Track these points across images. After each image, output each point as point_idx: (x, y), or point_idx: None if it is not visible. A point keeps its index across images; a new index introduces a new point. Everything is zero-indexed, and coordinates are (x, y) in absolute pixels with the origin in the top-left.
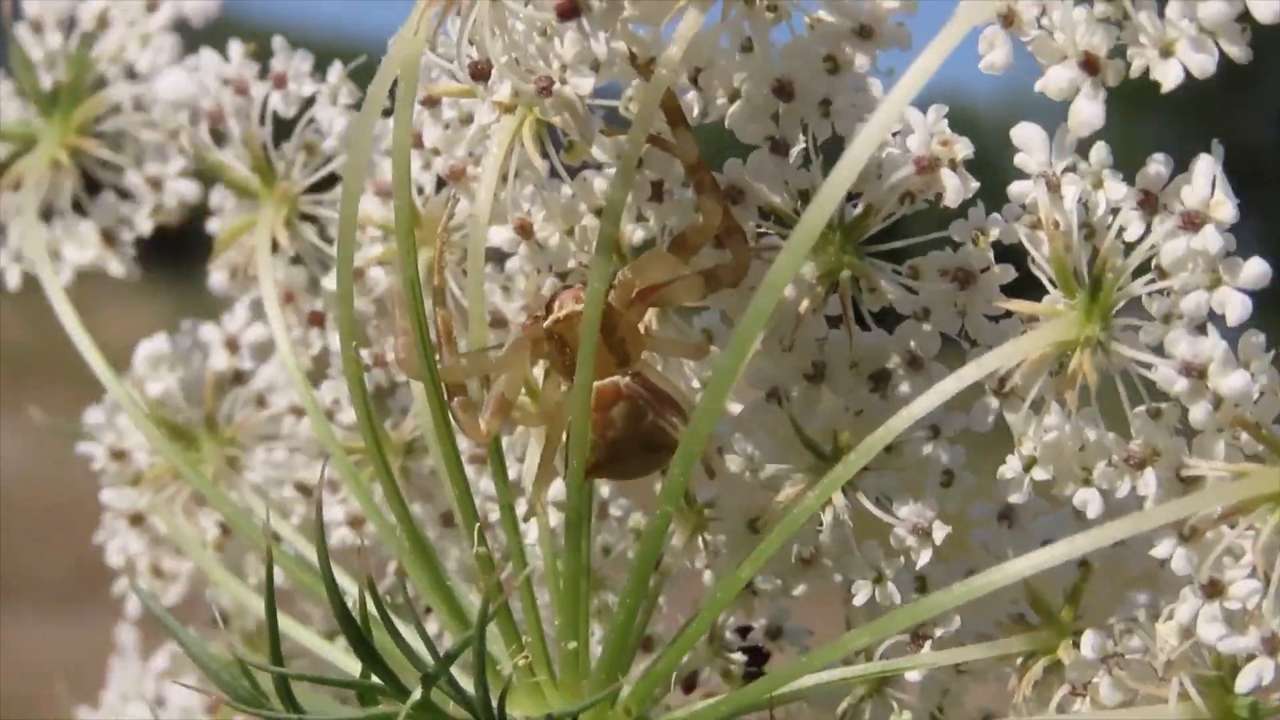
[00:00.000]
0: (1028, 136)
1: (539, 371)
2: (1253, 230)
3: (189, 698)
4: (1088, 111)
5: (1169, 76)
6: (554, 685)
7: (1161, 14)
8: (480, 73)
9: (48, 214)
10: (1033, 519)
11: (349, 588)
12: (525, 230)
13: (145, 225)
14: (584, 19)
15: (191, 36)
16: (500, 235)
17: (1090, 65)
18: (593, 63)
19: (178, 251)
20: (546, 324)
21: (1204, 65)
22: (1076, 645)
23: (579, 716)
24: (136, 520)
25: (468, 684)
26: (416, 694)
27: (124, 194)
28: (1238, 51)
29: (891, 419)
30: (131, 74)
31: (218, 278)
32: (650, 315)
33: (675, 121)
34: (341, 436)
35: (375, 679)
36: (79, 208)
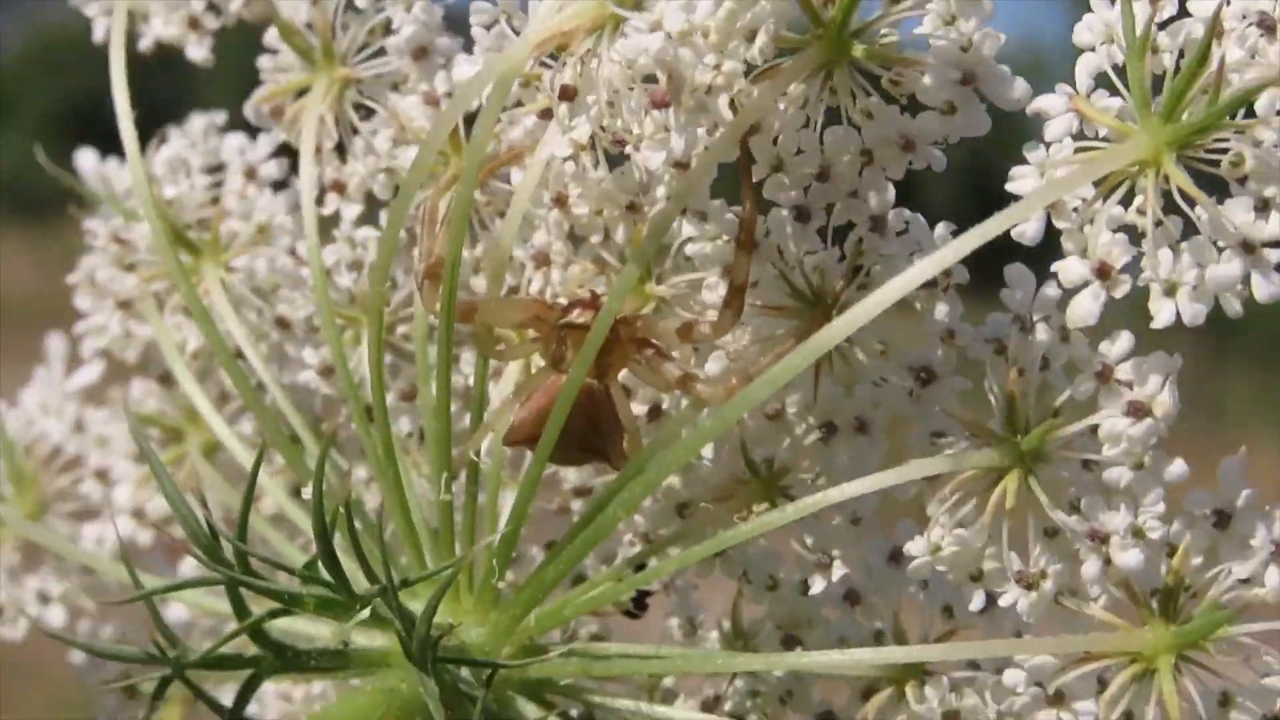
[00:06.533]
0: (1018, 274)
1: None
2: None
3: (107, 426)
4: (1086, 308)
5: (1161, 315)
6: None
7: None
8: (568, 95)
9: None
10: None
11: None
12: (561, 201)
13: (233, 12)
14: (671, 110)
15: None
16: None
17: (1103, 273)
18: (668, 144)
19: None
20: (557, 321)
21: (1195, 315)
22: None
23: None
24: (124, 305)
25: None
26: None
27: None
28: (1236, 309)
29: (818, 494)
30: None
31: (252, 109)
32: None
33: (743, 245)
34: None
35: (327, 576)
36: None
